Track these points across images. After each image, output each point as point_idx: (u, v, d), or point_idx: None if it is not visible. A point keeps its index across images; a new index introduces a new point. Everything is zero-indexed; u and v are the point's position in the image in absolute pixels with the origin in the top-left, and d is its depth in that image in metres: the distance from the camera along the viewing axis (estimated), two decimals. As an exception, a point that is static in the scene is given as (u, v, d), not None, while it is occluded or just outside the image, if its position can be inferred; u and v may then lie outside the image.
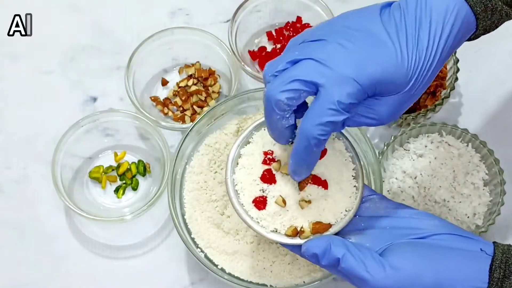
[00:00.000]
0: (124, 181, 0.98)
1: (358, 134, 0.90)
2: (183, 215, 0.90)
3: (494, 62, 1.04)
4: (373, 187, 0.87)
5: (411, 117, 0.95)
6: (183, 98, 1.01)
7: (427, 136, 0.95)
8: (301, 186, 0.74)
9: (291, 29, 1.04)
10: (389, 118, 0.70)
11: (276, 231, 0.74)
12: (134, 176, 0.98)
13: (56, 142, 0.96)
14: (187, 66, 1.04)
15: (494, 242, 0.70)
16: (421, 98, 0.96)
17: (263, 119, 0.75)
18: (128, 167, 0.98)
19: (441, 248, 0.69)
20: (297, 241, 0.73)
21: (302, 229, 0.73)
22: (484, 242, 0.70)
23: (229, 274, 0.87)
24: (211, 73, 1.03)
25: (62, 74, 1.05)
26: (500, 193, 0.90)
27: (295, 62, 0.68)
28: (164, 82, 1.03)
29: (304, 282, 0.87)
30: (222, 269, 0.88)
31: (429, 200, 0.91)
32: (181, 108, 1.01)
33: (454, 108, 1.02)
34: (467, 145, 0.94)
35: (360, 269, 0.68)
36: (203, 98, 1.01)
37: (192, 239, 0.89)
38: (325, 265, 0.70)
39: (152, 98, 1.02)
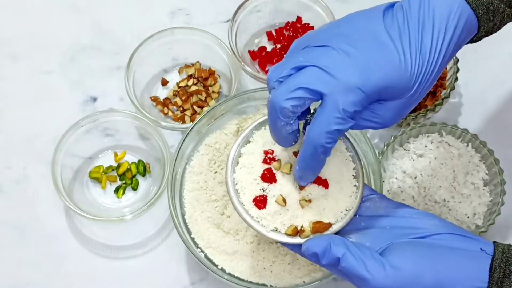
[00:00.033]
0: (124, 181, 0.98)
1: (358, 134, 0.90)
2: (183, 215, 0.90)
3: (494, 62, 1.04)
4: (373, 187, 0.87)
5: (411, 117, 0.95)
6: (183, 98, 1.01)
7: (427, 136, 0.95)
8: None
9: (291, 29, 1.04)
10: (392, 121, 0.70)
11: (276, 230, 0.73)
12: (134, 176, 0.98)
13: (56, 142, 0.95)
14: (187, 66, 1.04)
15: (494, 242, 0.70)
16: (421, 98, 0.96)
17: (264, 118, 0.75)
18: (128, 167, 0.98)
19: (441, 247, 0.69)
20: (297, 240, 0.73)
21: (302, 228, 0.73)
22: (484, 241, 0.70)
23: (229, 274, 0.87)
24: (211, 73, 1.03)
25: (62, 74, 1.05)
26: (500, 193, 0.90)
27: (299, 68, 0.68)
28: (164, 82, 1.03)
29: (304, 282, 0.87)
30: (222, 269, 0.88)
31: (429, 200, 0.91)
32: (181, 108, 1.01)
33: (454, 108, 1.02)
34: (467, 145, 0.94)
35: (360, 269, 0.67)
36: (203, 98, 1.01)
37: (192, 239, 0.89)
38: (325, 264, 0.70)
39: (152, 98, 1.02)
